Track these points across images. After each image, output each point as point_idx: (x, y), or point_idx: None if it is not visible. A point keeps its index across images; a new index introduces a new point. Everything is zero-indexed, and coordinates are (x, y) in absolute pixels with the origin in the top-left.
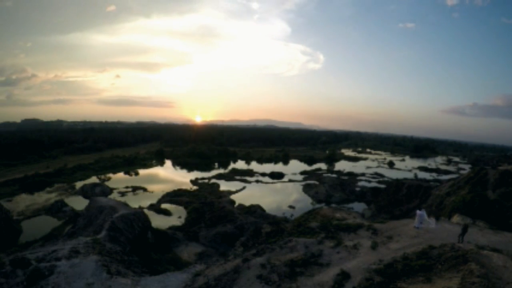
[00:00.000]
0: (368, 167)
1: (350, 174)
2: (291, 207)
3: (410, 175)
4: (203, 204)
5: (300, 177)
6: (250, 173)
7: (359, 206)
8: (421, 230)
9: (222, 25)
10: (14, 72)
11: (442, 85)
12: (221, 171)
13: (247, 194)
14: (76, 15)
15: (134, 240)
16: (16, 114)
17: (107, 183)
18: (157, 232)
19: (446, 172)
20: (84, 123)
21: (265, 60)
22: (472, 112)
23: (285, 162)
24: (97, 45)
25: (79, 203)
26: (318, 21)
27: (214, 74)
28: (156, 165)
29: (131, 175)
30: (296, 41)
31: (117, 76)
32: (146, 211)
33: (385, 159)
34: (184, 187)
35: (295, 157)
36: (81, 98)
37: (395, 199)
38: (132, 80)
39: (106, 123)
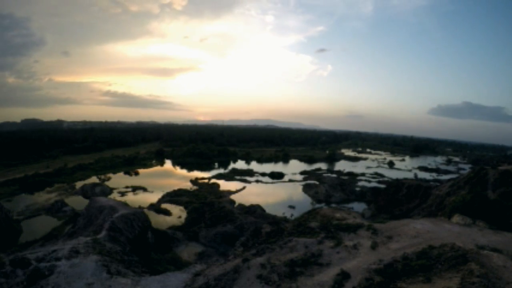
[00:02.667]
0: (368, 167)
1: (350, 174)
2: (291, 207)
3: (410, 175)
4: (203, 204)
5: (300, 177)
6: (250, 173)
7: (359, 206)
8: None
9: (238, 35)
10: (46, 76)
11: (430, 84)
12: (221, 171)
13: (247, 194)
14: (103, 31)
15: (134, 240)
16: (17, 114)
17: (107, 183)
18: (157, 232)
19: (446, 172)
20: (84, 123)
21: (275, 68)
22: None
23: (285, 162)
24: (116, 54)
25: (79, 203)
26: (331, 37)
27: (225, 80)
28: (156, 165)
29: (131, 175)
30: (307, 52)
31: (135, 80)
32: (146, 211)
33: (385, 159)
34: (184, 187)
35: (295, 157)
36: (97, 99)
37: (395, 199)
38: (149, 84)
39: (106, 123)
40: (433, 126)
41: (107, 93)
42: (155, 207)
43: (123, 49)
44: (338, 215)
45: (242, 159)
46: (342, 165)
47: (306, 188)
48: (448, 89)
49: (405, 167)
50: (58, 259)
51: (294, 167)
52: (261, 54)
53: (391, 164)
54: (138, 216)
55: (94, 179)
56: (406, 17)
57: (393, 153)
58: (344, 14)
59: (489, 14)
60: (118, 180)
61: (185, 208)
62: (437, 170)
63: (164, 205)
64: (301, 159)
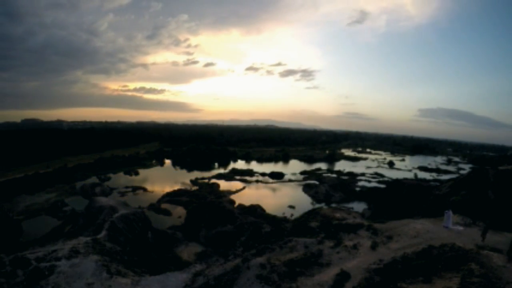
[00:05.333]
0: (368, 167)
1: (350, 174)
2: (291, 207)
3: (410, 175)
4: (203, 204)
5: (300, 177)
6: (250, 173)
7: (359, 206)
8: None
9: (252, 48)
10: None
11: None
12: (221, 171)
13: (247, 194)
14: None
15: (134, 240)
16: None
17: (107, 183)
18: (157, 232)
19: (446, 172)
20: (84, 123)
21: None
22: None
23: (285, 162)
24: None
25: (79, 203)
26: (341, 48)
27: (233, 85)
28: (156, 165)
29: (131, 175)
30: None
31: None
32: (146, 211)
33: (385, 159)
34: (184, 187)
35: (295, 157)
36: (107, 101)
37: (395, 199)
38: (167, 88)
39: (106, 123)
40: (420, 127)
41: (122, 95)
42: (155, 207)
43: (146, 61)
44: (338, 215)
45: (242, 159)
46: (342, 165)
47: (306, 188)
48: (428, 95)
49: (405, 167)
50: (58, 259)
51: (294, 167)
52: (271, 63)
53: (391, 164)
54: (138, 216)
55: (94, 179)
56: (408, 34)
57: (393, 153)
58: (356, 31)
59: (471, 34)
60: (118, 180)
61: (185, 208)
62: (437, 170)
63: (164, 205)
64: (301, 159)
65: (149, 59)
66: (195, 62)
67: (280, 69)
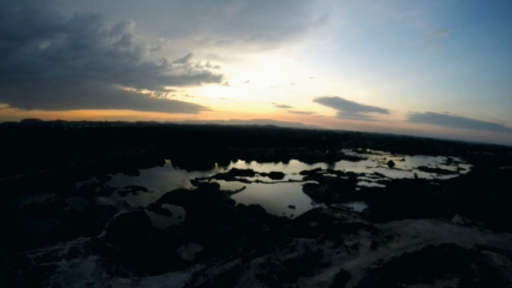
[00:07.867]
0: (368, 167)
1: (350, 174)
2: (291, 207)
3: (410, 175)
4: (203, 204)
5: (300, 177)
6: (250, 173)
7: (359, 206)
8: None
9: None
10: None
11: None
12: (221, 171)
13: (247, 194)
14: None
15: (134, 240)
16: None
17: (107, 183)
18: (157, 232)
19: (446, 172)
20: (84, 123)
21: (280, 78)
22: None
23: (285, 162)
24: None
25: (79, 203)
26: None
27: (237, 87)
28: (156, 165)
29: (131, 175)
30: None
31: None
32: (146, 211)
33: (385, 159)
34: (184, 187)
35: (295, 157)
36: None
37: (395, 199)
38: (178, 92)
39: (106, 123)
40: (412, 127)
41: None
42: (155, 207)
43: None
44: (338, 215)
45: (242, 159)
46: (342, 165)
47: (306, 188)
48: (420, 99)
49: (405, 167)
50: (58, 259)
51: (294, 167)
52: (273, 67)
53: (391, 164)
54: (138, 216)
55: (94, 179)
56: (408, 40)
57: (393, 153)
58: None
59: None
60: (118, 180)
61: (185, 208)
62: (437, 170)
63: (164, 205)
64: (301, 159)
65: (170, 73)
66: (208, 73)
67: (274, 83)
